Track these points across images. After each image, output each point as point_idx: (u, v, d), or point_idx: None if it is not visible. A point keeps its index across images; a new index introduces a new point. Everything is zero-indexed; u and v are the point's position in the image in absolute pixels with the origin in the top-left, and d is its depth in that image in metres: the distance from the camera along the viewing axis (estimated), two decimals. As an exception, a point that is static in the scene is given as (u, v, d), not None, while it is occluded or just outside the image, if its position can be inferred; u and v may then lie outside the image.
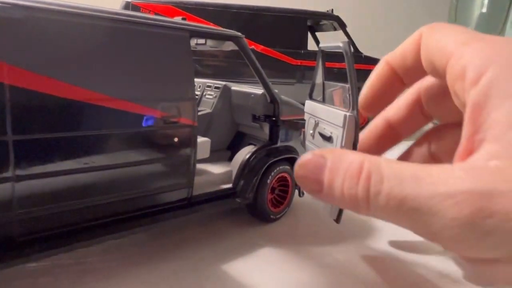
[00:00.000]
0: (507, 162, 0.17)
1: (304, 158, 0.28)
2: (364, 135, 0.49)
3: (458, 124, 0.30)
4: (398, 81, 0.31)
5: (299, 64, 4.43)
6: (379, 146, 0.45)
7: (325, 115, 0.79)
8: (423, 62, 0.28)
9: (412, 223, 0.20)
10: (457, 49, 0.25)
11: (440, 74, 0.26)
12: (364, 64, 3.93)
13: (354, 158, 0.24)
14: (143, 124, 1.38)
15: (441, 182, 0.18)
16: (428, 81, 0.33)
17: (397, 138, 0.37)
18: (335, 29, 4.92)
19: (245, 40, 1.78)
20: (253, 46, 4.03)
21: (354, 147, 0.62)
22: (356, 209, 0.24)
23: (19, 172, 1.11)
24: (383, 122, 0.35)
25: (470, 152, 0.20)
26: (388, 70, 0.30)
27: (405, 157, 0.42)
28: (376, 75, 0.32)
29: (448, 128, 0.38)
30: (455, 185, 0.18)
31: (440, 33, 0.28)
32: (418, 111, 0.35)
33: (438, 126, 0.41)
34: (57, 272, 1.40)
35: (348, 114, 0.67)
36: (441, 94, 0.32)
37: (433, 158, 0.41)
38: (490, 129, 0.19)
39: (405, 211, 0.19)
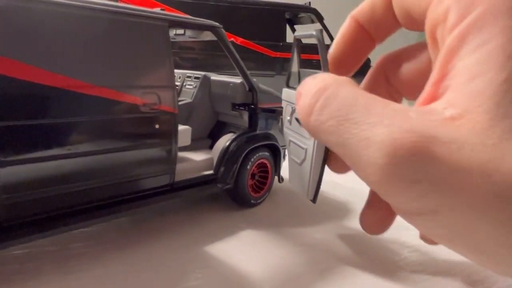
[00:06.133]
0: (462, 112, 0.16)
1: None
2: None
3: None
4: (367, 38, 0.28)
5: (278, 56, 4.49)
6: None
7: None
8: (396, 12, 0.25)
9: (343, 151, 0.19)
10: None
11: (417, 24, 0.23)
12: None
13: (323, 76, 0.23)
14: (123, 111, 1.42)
15: (388, 116, 0.17)
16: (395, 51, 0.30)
17: None
18: (313, 22, 4.99)
19: (223, 30, 1.83)
20: (232, 39, 4.06)
21: None
22: (303, 118, 0.22)
23: (4, 157, 1.13)
24: None
25: (433, 99, 0.18)
26: (355, 26, 0.27)
27: None
28: (341, 33, 0.28)
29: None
30: (401, 121, 0.17)
31: None
32: (383, 83, 0.31)
33: None
34: (42, 257, 1.43)
35: None
36: (410, 57, 0.29)
37: None
38: (456, 77, 0.17)
39: (340, 134, 0.19)
